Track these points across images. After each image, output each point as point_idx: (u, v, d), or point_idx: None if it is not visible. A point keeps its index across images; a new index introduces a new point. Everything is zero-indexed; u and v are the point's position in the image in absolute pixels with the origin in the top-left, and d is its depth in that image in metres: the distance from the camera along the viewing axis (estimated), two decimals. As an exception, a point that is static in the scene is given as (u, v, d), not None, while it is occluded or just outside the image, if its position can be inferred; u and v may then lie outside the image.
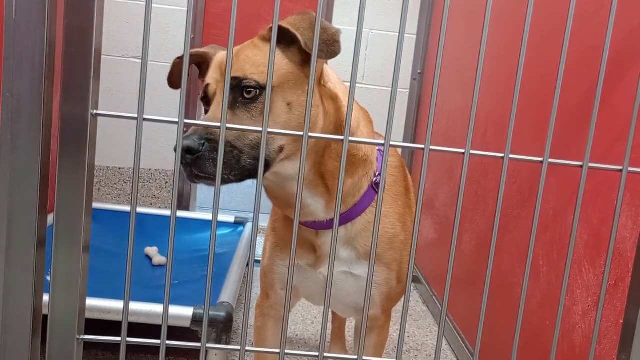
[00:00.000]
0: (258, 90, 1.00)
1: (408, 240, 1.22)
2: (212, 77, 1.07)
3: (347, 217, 1.16)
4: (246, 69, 1.01)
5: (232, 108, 1.01)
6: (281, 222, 1.26)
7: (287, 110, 1.02)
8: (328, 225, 1.16)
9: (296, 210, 0.73)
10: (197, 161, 0.95)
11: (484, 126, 2.19)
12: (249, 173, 1.00)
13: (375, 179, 1.17)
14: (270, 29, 0.99)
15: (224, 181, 0.97)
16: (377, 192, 1.17)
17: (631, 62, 1.28)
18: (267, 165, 1.03)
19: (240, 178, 0.99)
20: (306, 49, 0.99)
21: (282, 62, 1.03)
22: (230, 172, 0.97)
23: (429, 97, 3.17)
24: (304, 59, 1.03)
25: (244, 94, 1.01)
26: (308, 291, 1.29)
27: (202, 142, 0.95)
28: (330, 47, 0.97)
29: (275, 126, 1.00)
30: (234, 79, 1.01)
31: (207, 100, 1.07)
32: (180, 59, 1.19)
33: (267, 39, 1.05)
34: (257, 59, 1.02)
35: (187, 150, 0.94)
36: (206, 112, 1.07)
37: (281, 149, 1.03)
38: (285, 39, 1.02)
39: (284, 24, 0.99)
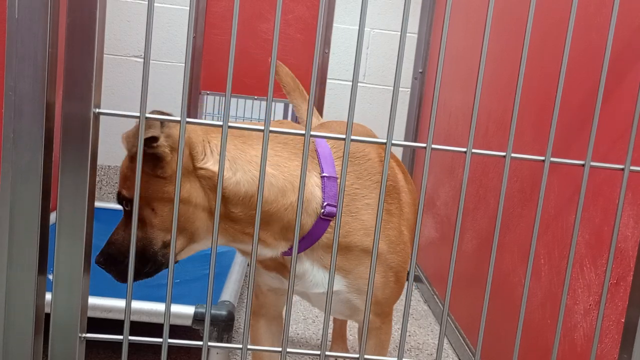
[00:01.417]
0: (130, 203, 1.08)
1: (390, 248, 1.21)
2: (119, 186, 1.14)
3: (302, 246, 1.15)
4: (121, 185, 1.09)
5: (127, 218, 1.12)
6: None
7: (154, 215, 1.05)
8: (287, 253, 1.16)
9: (298, 210, 0.73)
10: (108, 271, 1.11)
11: (486, 125, 2.19)
12: (146, 273, 1.10)
13: (323, 210, 1.12)
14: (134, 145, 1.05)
15: (137, 280, 1.11)
16: (329, 221, 1.14)
17: (633, 61, 1.28)
18: (162, 265, 1.10)
19: (137, 279, 1.11)
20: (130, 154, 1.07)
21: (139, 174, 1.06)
22: (137, 276, 1.10)
23: (430, 96, 3.17)
24: (154, 163, 1.03)
25: (125, 207, 1.10)
26: (295, 293, 1.31)
27: (105, 256, 1.11)
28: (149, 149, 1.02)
29: (153, 229, 1.06)
30: (117, 195, 1.11)
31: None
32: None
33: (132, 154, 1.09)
34: (127, 174, 1.08)
35: (98, 265, 1.10)
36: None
37: (166, 245, 1.07)
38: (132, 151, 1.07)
39: (122, 139, 1.05)
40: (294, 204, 1.10)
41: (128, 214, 1.11)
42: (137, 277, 1.09)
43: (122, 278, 1.11)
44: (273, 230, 1.11)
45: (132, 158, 1.08)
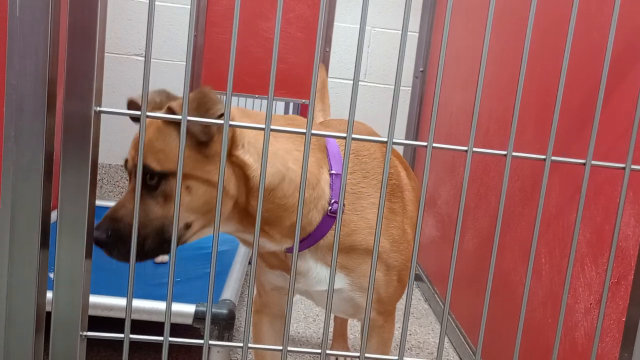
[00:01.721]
0: (157, 177, 1.00)
1: (393, 246, 1.22)
2: (130, 153, 1.07)
3: (306, 244, 1.15)
4: (146, 155, 1.01)
5: (142, 194, 1.02)
6: None
7: (187, 193, 1.01)
8: (289, 251, 1.16)
9: (299, 214, 0.73)
10: (108, 250, 1.01)
11: (487, 124, 2.19)
12: (153, 255, 1.04)
13: (330, 207, 1.14)
14: (169, 108, 0.98)
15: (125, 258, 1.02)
16: (335, 219, 1.14)
17: (634, 60, 1.28)
18: (177, 241, 1.05)
19: (146, 259, 1.03)
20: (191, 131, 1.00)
21: (178, 147, 1.03)
22: (139, 257, 1.03)
23: (431, 95, 3.17)
24: (199, 139, 1.01)
25: (147, 180, 1.01)
26: (297, 291, 1.31)
27: (109, 232, 1.00)
28: (206, 128, 0.98)
29: (180, 208, 1.02)
30: (134, 166, 1.02)
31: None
32: (131, 101, 1.14)
33: (169, 123, 1.03)
34: (157, 145, 1.01)
35: (96, 242, 0.99)
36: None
37: (188, 226, 1.04)
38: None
39: (175, 107, 0.97)
40: (309, 199, 1.11)
41: (146, 188, 1.02)
42: (147, 256, 1.02)
43: (128, 259, 1.03)
44: (283, 225, 1.11)
45: (166, 123, 1.02)
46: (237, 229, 1.12)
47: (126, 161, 1.07)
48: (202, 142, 1.00)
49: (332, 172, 1.16)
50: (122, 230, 1.01)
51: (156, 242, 1.02)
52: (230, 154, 1.04)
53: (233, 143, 1.04)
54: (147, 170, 1.00)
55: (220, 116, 0.97)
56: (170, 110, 0.97)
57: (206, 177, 1.01)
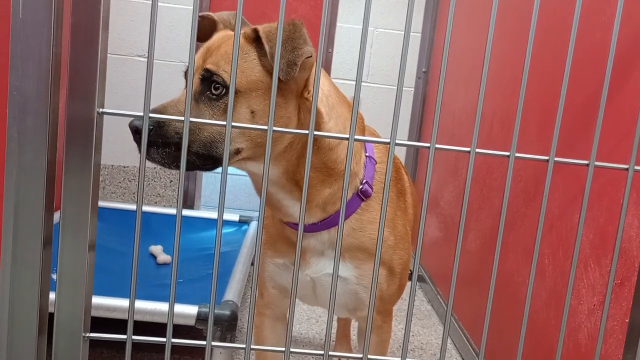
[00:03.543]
0: (224, 89, 0.98)
1: (398, 244, 1.22)
2: (196, 58, 1.05)
3: (329, 223, 1.16)
4: (221, 64, 0.99)
5: (197, 99, 1.00)
6: (271, 219, 1.26)
7: (250, 117, 0.99)
8: (310, 228, 1.16)
9: (300, 216, 0.73)
10: (148, 146, 0.93)
11: (490, 125, 2.18)
12: (195, 167, 1.00)
13: (361, 186, 1.16)
14: (254, 29, 0.98)
15: (167, 167, 0.97)
16: (362, 200, 1.16)
17: (637, 60, 1.28)
18: (216, 161, 1.01)
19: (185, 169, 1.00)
20: (270, 61, 0.97)
21: (255, 68, 1.01)
22: (173, 162, 0.97)
23: (434, 96, 3.16)
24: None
25: (212, 89, 0.99)
26: (298, 291, 1.29)
27: (151, 127, 0.95)
28: (288, 68, 0.94)
29: (235, 130, 0.98)
30: (206, 71, 0.99)
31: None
32: (202, 17, 1.13)
33: (250, 39, 1.02)
34: (230, 53, 1.00)
35: (135, 131, 0.94)
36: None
37: (238, 152, 1.02)
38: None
39: (261, 32, 0.96)
40: (351, 170, 1.13)
41: (207, 97, 1.00)
42: (188, 166, 0.99)
43: (162, 160, 0.97)
44: (322, 193, 1.12)
45: (247, 41, 1.01)
46: (278, 181, 1.10)
47: (186, 70, 1.04)
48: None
49: (367, 154, 1.18)
50: (166, 131, 0.97)
51: (200, 155, 0.99)
52: (301, 95, 1.04)
53: (307, 85, 1.05)
54: (216, 79, 0.98)
55: (308, 59, 0.96)
56: (255, 33, 0.97)
57: (276, 110, 1.00)
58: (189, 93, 0.71)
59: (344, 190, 0.72)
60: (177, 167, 0.96)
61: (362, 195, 1.16)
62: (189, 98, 0.71)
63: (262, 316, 1.35)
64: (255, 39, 1.01)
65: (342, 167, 1.11)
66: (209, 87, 0.99)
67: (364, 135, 1.20)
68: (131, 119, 0.94)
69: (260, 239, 0.74)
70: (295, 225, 1.16)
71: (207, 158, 1.00)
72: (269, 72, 1.00)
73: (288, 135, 1.05)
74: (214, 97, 0.99)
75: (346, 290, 1.22)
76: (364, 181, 1.16)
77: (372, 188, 1.17)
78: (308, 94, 1.05)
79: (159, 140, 0.96)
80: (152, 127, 0.96)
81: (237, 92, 0.98)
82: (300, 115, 1.05)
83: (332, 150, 1.10)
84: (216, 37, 1.09)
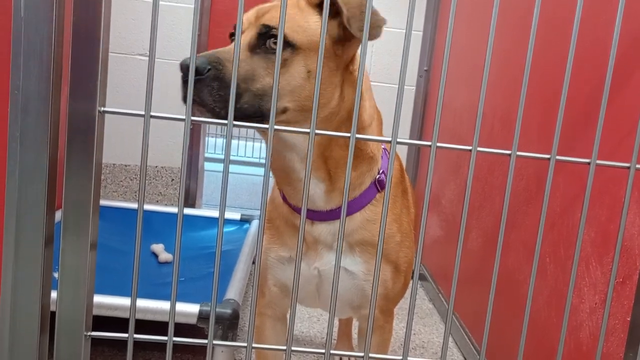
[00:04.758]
0: (284, 44, 0.98)
1: (404, 241, 1.22)
2: (247, 17, 1.05)
3: (346, 211, 1.15)
4: (278, 24, 0.99)
5: (252, 51, 1.00)
6: (278, 211, 1.23)
7: (305, 77, 1.00)
8: (326, 216, 1.15)
9: (301, 221, 0.73)
10: (196, 84, 0.92)
11: (491, 123, 2.18)
12: (244, 117, 0.98)
13: (378, 176, 1.17)
14: None
15: (215, 113, 0.95)
16: (378, 190, 1.17)
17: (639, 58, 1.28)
18: (263, 116, 1.00)
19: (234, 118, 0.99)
20: (347, 24, 0.98)
21: (318, 30, 1.02)
22: (223, 108, 0.95)
23: (435, 94, 3.16)
24: (341, 36, 1.03)
25: (271, 44, 0.99)
26: (300, 288, 1.26)
27: (208, 67, 0.94)
28: (373, 30, 0.96)
29: (287, 87, 0.99)
30: (265, 26, 1.00)
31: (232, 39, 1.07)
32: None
33: (313, 4, 1.04)
34: (295, 17, 1.02)
35: (185, 68, 0.93)
36: None
37: (284, 111, 1.02)
38: (330, 9, 1.00)
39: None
40: (373, 156, 1.16)
41: (265, 50, 0.99)
42: (238, 114, 0.96)
43: (213, 104, 0.94)
44: (357, 171, 1.14)
45: (308, 3, 1.04)
46: (307, 155, 1.10)
47: (270, 28, 1.03)
48: (341, 39, 1.03)
49: (383, 146, 1.21)
50: (224, 74, 0.95)
51: (248, 107, 0.98)
52: (347, 68, 1.07)
53: (353, 59, 1.08)
54: (275, 33, 0.99)
55: (378, 28, 0.99)
56: None
57: (328, 71, 1.02)
58: (190, 92, 0.71)
59: (346, 192, 0.72)
60: (225, 116, 0.93)
61: (379, 185, 1.17)
62: (190, 94, 0.71)
63: (263, 316, 1.33)
64: (318, 5, 1.04)
65: (369, 150, 1.14)
66: (265, 41, 1.00)
67: (381, 127, 1.22)
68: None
69: (261, 238, 0.74)
70: (311, 214, 1.14)
71: (255, 110, 0.99)
72: (331, 38, 1.03)
73: (330, 105, 1.06)
74: (272, 51, 0.99)
75: (353, 285, 1.20)
76: (381, 171, 1.17)
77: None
78: (352, 67, 1.08)
79: (214, 83, 0.94)
80: (209, 67, 0.94)
81: (296, 48, 0.99)
82: (344, 87, 1.08)
83: (364, 130, 1.13)
84: (264, 5, 1.10)
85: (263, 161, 4.97)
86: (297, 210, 1.17)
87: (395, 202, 1.23)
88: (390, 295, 1.24)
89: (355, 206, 1.15)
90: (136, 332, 0.73)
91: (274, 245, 1.24)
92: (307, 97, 1.01)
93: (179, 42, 3.18)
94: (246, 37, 1.01)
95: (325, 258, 1.19)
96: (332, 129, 1.08)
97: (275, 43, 0.98)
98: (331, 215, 1.15)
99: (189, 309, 1.68)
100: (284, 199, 1.20)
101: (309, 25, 1.02)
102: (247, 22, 1.04)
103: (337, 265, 0.75)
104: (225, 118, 0.90)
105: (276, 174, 1.17)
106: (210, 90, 0.94)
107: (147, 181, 3.30)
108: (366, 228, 1.16)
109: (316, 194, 1.13)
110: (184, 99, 0.92)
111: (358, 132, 1.10)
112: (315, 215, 1.15)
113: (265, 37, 0.99)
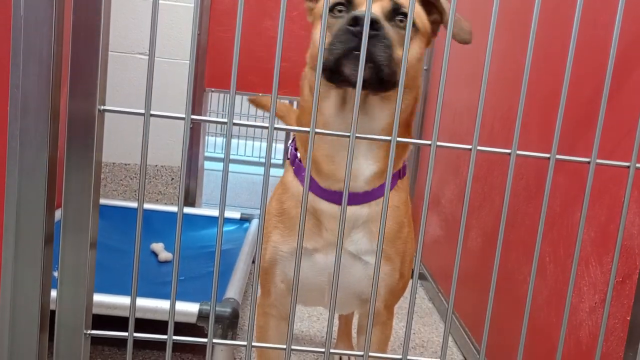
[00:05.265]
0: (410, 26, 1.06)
1: (410, 235, 1.22)
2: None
3: (374, 194, 1.12)
4: (406, 5, 1.06)
5: (388, 20, 1.06)
6: (293, 200, 1.18)
7: (419, 58, 1.13)
8: (361, 199, 1.12)
9: (301, 215, 0.72)
10: (371, 38, 0.93)
11: (491, 122, 2.18)
12: (376, 82, 0.99)
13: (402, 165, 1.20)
14: None
15: (379, 71, 0.98)
16: (399, 178, 1.19)
17: None
18: (394, 84, 1.02)
19: (379, 87, 1.01)
20: (444, 24, 1.13)
21: (426, 19, 1.18)
22: (387, 66, 0.97)
23: (435, 94, 3.16)
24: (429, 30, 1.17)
25: (398, 21, 1.06)
26: (307, 283, 1.21)
27: (380, 24, 0.98)
28: (469, 35, 1.22)
29: (400, 64, 0.99)
30: (394, 2, 1.06)
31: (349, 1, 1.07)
32: None
33: None
34: (418, 10, 1.15)
35: (357, 22, 0.94)
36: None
37: (394, 85, 1.03)
38: (428, 6, 1.17)
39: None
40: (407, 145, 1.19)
41: (399, 27, 1.06)
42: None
43: (378, 65, 0.96)
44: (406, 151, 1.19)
45: None
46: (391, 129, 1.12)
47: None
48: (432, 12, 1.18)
49: None
50: (382, 35, 0.97)
51: (391, 70, 0.99)
52: (432, 35, 1.24)
53: (432, 28, 1.23)
54: (404, 11, 1.05)
55: (470, 35, 1.21)
56: None
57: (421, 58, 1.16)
58: (189, 92, 0.71)
59: (345, 193, 0.72)
60: (384, 77, 0.98)
61: (400, 174, 1.19)
62: (189, 94, 0.71)
63: (267, 316, 1.29)
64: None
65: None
66: (393, 17, 1.06)
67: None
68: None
69: (261, 237, 0.74)
70: (339, 197, 1.10)
71: (377, 76, 1.00)
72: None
73: (420, 87, 1.16)
74: (401, 26, 1.06)
75: (365, 275, 1.17)
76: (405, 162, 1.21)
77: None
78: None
79: (385, 40, 0.98)
80: (379, 23, 0.98)
81: (418, 30, 1.12)
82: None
83: (413, 115, 1.17)
84: None
85: (263, 160, 4.98)
86: (323, 196, 1.13)
87: (404, 195, 1.25)
88: (395, 289, 1.22)
89: (376, 193, 1.13)
90: (136, 331, 0.73)
91: (287, 239, 1.18)
92: (414, 78, 1.11)
93: (178, 41, 3.18)
94: (378, 5, 1.06)
95: (345, 245, 1.15)
96: (406, 102, 1.12)
97: (401, 21, 1.06)
98: (366, 197, 1.12)
99: (188, 308, 1.68)
100: (310, 185, 1.14)
101: (422, 13, 1.15)
102: (380, 7, 1.07)
103: (337, 262, 0.75)
104: (384, 79, 0.98)
105: (318, 153, 1.12)
106: (384, 49, 0.97)
107: (147, 180, 3.29)
108: (390, 214, 1.15)
109: (364, 175, 1.11)
110: (343, 55, 0.95)
111: (414, 113, 1.19)
112: (349, 198, 1.11)
113: (394, 13, 1.06)
